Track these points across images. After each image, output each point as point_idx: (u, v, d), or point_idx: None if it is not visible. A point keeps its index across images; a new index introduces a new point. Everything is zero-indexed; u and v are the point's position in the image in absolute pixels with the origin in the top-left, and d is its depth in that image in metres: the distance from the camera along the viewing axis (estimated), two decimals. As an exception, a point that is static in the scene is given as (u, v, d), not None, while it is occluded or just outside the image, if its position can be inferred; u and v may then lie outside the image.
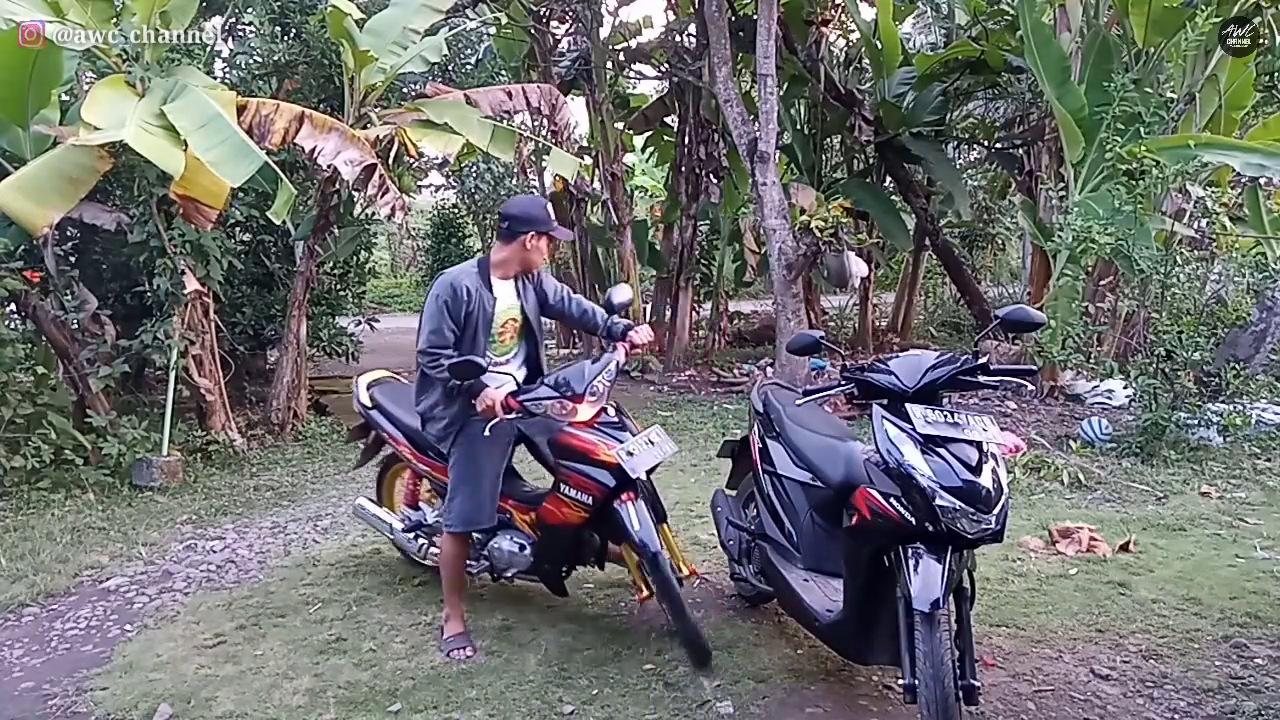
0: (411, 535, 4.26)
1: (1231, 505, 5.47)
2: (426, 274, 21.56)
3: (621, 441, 3.51)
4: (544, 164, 11.18)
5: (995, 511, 2.71)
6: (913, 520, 2.73)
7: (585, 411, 3.57)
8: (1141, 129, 7.18)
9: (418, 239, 22.89)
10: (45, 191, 5.50)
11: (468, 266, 3.72)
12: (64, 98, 6.66)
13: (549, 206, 3.77)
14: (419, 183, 14.76)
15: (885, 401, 2.96)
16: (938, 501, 2.67)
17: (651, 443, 3.57)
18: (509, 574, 3.89)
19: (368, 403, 4.34)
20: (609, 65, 11.26)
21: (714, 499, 4.27)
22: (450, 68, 11.36)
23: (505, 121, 8.01)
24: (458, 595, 3.79)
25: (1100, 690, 3.33)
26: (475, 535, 3.82)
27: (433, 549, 4.11)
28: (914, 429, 2.78)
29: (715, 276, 12.44)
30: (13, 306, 6.56)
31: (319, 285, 8.44)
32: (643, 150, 15.11)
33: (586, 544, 3.78)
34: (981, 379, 2.97)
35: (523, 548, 3.78)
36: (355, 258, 9.80)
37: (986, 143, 12.39)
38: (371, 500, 4.60)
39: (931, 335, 13.46)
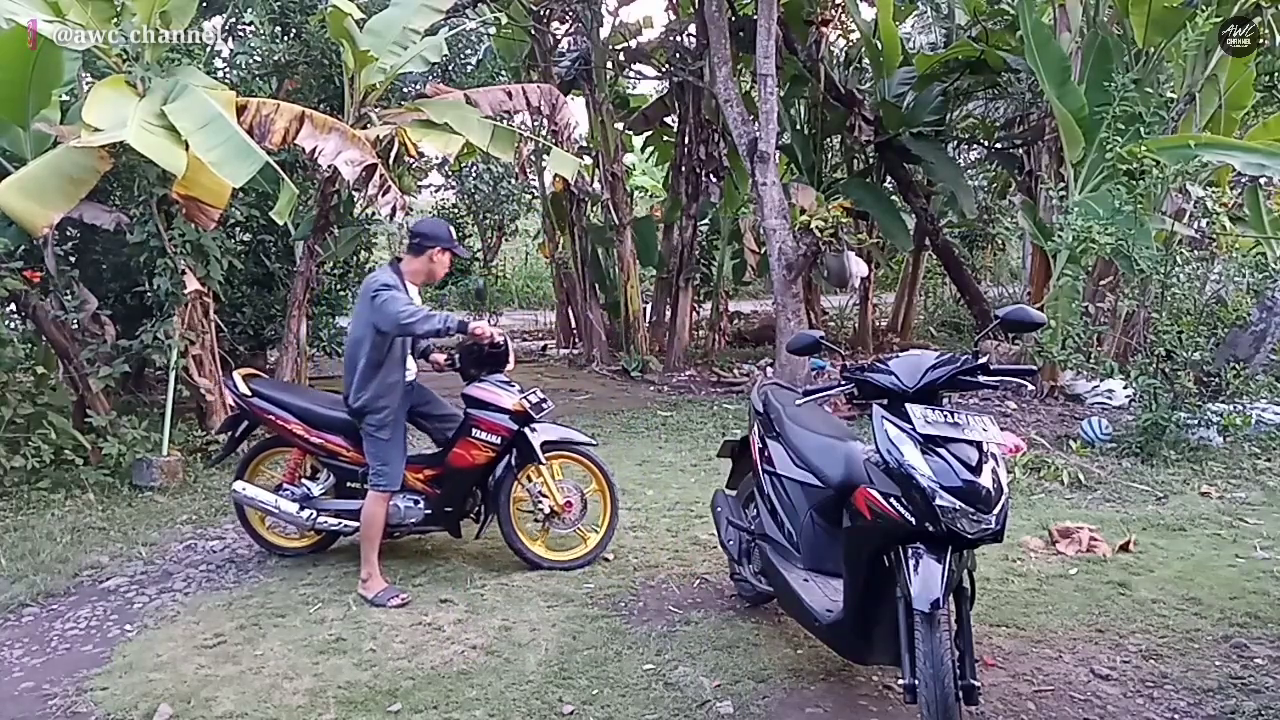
0: (299, 507, 4.62)
1: (1231, 505, 5.47)
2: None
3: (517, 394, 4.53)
4: (544, 164, 11.18)
5: (995, 511, 2.71)
6: (913, 520, 2.73)
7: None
8: (1141, 129, 7.19)
9: (418, 239, 22.90)
10: (45, 191, 5.50)
11: (388, 270, 4.41)
12: (64, 98, 6.66)
13: (451, 229, 4.59)
14: (419, 183, 14.78)
15: (885, 401, 2.96)
16: (938, 501, 2.67)
17: (542, 396, 4.63)
18: (404, 527, 4.60)
19: (247, 392, 4.71)
20: (609, 65, 11.27)
21: (714, 499, 4.27)
22: (450, 68, 11.37)
23: (505, 121, 8.00)
24: (376, 551, 4.37)
25: (1100, 690, 3.33)
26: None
27: (321, 518, 4.63)
28: (914, 429, 2.78)
29: (715, 276, 12.45)
30: (13, 306, 6.57)
31: (319, 285, 8.44)
32: (643, 150, 15.13)
33: (478, 492, 4.66)
34: (981, 379, 2.97)
35: (417, 502, 4.57)
36: (355, 258, 9.81)
37: (986, 143, 12.40)
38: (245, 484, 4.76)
39: (931, 335, 13.47)
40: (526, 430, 4.50)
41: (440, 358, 4.82)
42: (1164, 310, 6.55)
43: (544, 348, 13.26)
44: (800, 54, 10.18)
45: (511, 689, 3.41)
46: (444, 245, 4.42)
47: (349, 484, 4.67)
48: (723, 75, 8.86)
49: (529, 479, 4.63)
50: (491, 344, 4.45)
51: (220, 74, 8.67)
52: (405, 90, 8.99)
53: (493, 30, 11.87)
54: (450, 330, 4.20)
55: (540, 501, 4.60)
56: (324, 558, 4.83)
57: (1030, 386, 7.96)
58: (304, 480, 4.73)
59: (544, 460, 4.55)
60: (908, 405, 2.84)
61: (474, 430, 4.47)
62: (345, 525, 4.63)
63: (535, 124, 10.61)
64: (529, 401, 4.49)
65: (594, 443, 4.88)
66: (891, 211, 11.18)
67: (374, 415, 4.32)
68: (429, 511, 4.58)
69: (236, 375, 4.80)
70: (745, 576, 3.97)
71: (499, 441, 4.47)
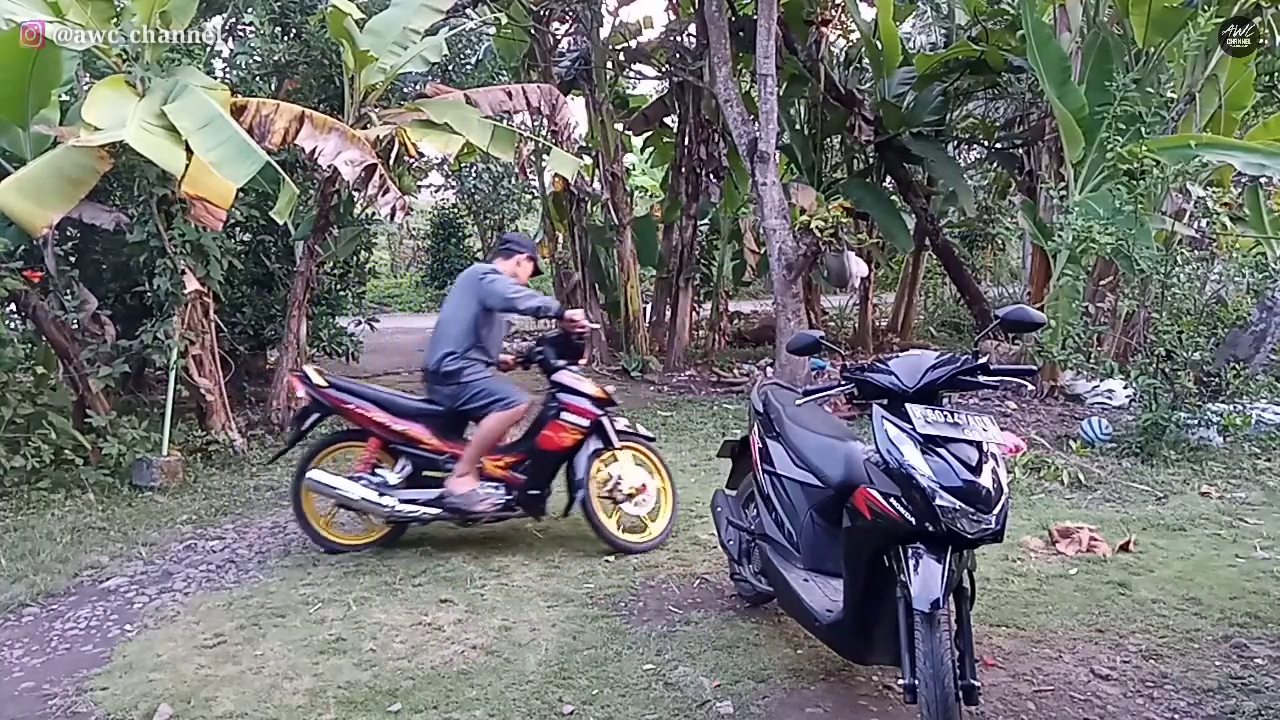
0: (379, 494, 4.72)
1: (1231, 505, 5.47)
2: (426, 274, 21.57)
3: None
4: (544, 164, 11.18)
5: (995, 511, 2.71)
6: (913, 520, 2.73)
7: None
8: (1142, 129, 7.19)
9: (418, 239, 22.92)
10: (45, 191, 5.50)
11: (486, 266, 5.04)
12: (64, 98, 6.66)
13: (535, 243, 5.32)
14: (419, 183, 14.78)
15: (885, 401, 2.96)
16: (938, 501, 2.67)
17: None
18: (479, 510, 4.74)
19: (324, 384, 4.84)
20: (609, 65, 11.26)
21: (714, 499, 4.27)
22: (450, 68, 11.36)
23: (505, 121, 8.01)
24: (478, 460, 4.76)
25: (1100, 690, 3.33)
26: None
27: (402, 505, 4.74)
28: (914, 429, 2.78)
29: (715, 276, 12.44)
30: (13, 306, 6.56)
31: (319, 285, 8.44)
32: (642, 150, 15.11)
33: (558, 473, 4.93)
34: (981, 379, 2.97)
35: (498, 489, 4.80)
36: (355, 258, 9.80)
37: (986, 143, 12.40)
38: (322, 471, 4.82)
39: (931, 335, 13.47)
40: (604, 417, 4.84)
41: (509, 359, 5.19)
42: (1164, 310, 6.55)
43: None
44: (800, 54, 10.18)
45: (511, 689, 3.40)
46: (529, 254, 5.11)
47: (425, 473, 4.84)
48: (723, 75, 8.86)
49: (604, 464, 4.90)
50: (579, 333, 4.88)
51: (220, 74, 8.67)
52: (405, 90, 8.99)
53: (493, 30, 11.86)
54: (549, 312, 4.75)
55: (619, 484, 4.85)
56: (323, 558, 4.83)
57: (1030, 386, 7.96)
58: (379, 470, 4.82)
59: (619, 445, 4.87)
60: (908, 405, 2.84)
61: (563, 414, 4.77)
62: (424, 512, 4.76)
63: (535, 124, 10.61)
64: (608, 390, 4.93)
65: (654, 436, 5.32)
66: (891, 211, 11.18)
67: (463, 374, 4.74)
68: (511, 497, 4.82)
69: (309, 369, 4.96)
70: (745, 576, 3.97)
71: (586, 425, 4.78)
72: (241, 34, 9.18)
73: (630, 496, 4.85)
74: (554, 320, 4.92)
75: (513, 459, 4.86)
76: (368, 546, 4.90)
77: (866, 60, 11.64)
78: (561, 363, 4.93)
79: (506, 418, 4.73)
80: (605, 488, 4.86)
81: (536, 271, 5.19)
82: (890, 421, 2.86)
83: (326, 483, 4.71)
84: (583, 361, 5.05)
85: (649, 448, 5.07)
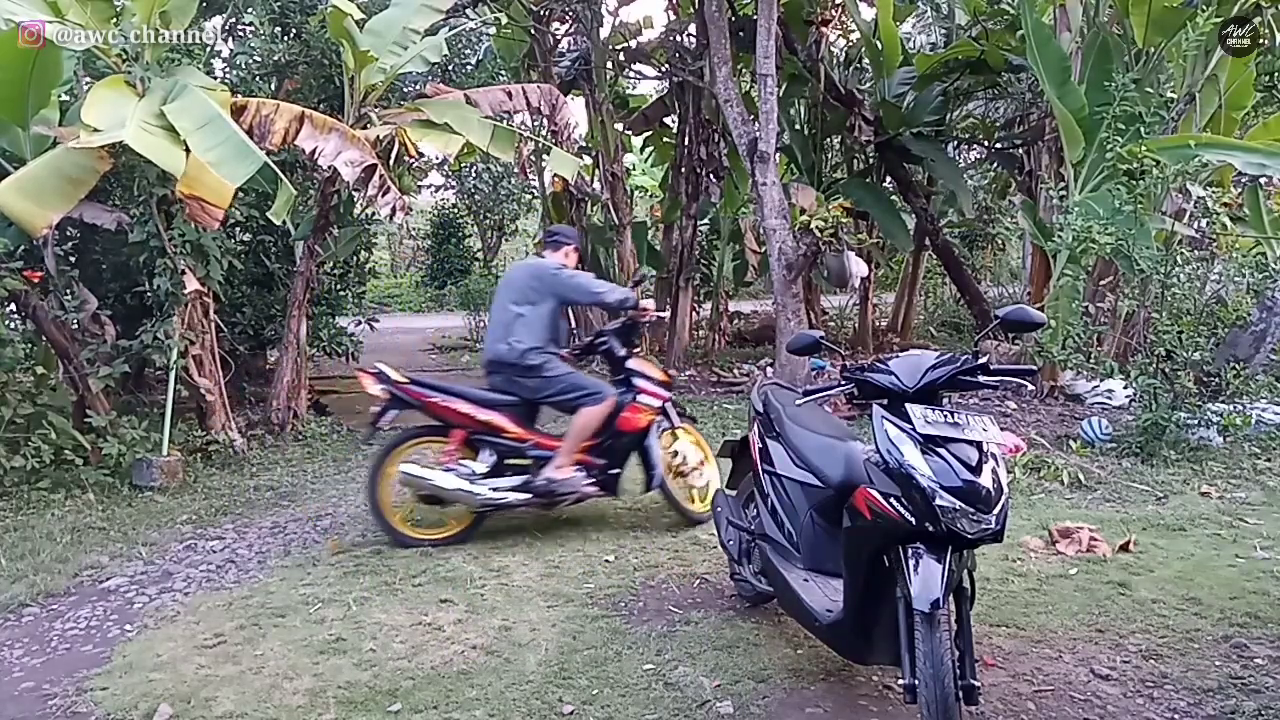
0: (470, 483, 4.83)
1: (1231, 505, 5.47)
2: (426, 274, 21.58)
3: None
4: (544, 164, 11.18)
5: (995, 511, 2.71)
6: (913, 520, 2.73)
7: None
8: (1142, 129, 7.18)
9: (418, 239, 22.92)
10: (45, 192, 5.50)
11: (542, 259, 5.33)
12: (64, 98, 6.66)
13: (578, 234, 5.62)
14: (419, 183, 14.78)
15: (885, 401, 2.96)
16: (938, 501, 2.67)
17: None
18: (569, 494, 5.01)
19: (404, 380, 4.96)
20: (609, 65, 11.26)
21: (714, 499, 4.28)
22: (450, 68, 11.36)
23: (505, 121, 8.00)
24: (576, 451, 4.98)
25: (1100, 690, 3.33)
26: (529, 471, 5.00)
27: (491, 494, 4.87)
28: (914, 429, 2.78)
29: (715, 276, 12.44)
30: (13, 306, 6.56)
31: (319, 285, 8.43)
32: (642, 150, 15.12)
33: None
34: (981, 379, 2.97)
35: (579, 471, 5.02)
36: (355, 258, 9.80)
37: (986, 143, 12.39)
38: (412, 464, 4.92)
39: (931, 335, 13.47)
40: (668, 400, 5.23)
41: (564, 352, 5.30)
42: (1164, 310, 6.55)
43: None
44: (800, 54, 10.17)
45: (511, 689, 3.41)
46: (575, 244, 5.33)
47: (507, 461, 4.98)
48: (723, 75, 8.86)
49: (668, 443, 5.27)
50: (645, 321, 5.37)
51: (220, 74, 8.67)
52: (405, 90, 8.99)
53: (493, 30, 11.86)
54: (629, 304, 5.15)
55: (685, 460, 5.22)
56: (323, 558, 4.83)
57: (1030, 386, 7.96)
58: (463, 461, 4.93)
59: (679, 425, 5.25)
60: (908, 405, 2.84)
61: (639, 397, 5.09)
62: (513, 499, 4.93)
63: (535, 124, 10.61)
64: (670, 374, 5.39)
65: (695, 417, 5.82)
66: (891, 211, 11.18)
67: (546, 368, 4.95)
68: (593, 479, 5.06)
69: (383, 366, 5.06)
70: (745, 576, 3.97)
71: (658, 406, 5.14)
72: (241, 34, 9.18)
73: (693, 470, 5.22)
74: (626, 311, 5.24)
75: (590, 443, 5.05)
76: (445, 541, 4.95)
77: (866, 60, 11.64)
78: (625, 351, 5.26)
79: (600, 411, 4.97)
80: (673, 464, 5.22)
81: (581, 262, 5.43)
82: (890, 421, 2.86)
83: (420, 475, 4.78)
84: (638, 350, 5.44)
85: (694, 427, 5.50)
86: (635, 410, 5.06)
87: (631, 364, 5.20)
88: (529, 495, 4.93)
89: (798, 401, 3.53)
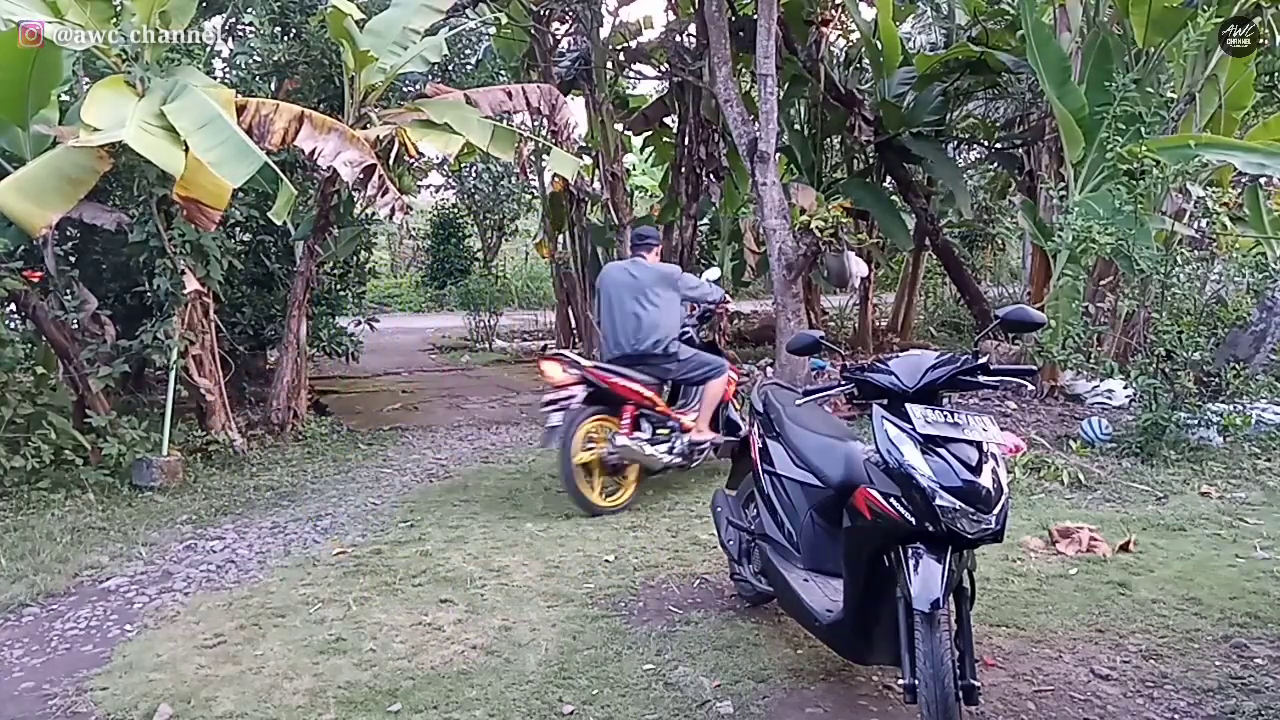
0: (653, 445, 5.63)
1: (1231, 505, 5.47)
2: (426, 274, 21.58)
3: None
4: (544, 164, 11.17)
5: (995, 511, 2.71)
6: (913, 520, 2.73)
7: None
8: (1142, 129, 7.18)
9: (418, 239, 22.91)
10: (45, 191, 5.50)
11: (649, 261, 6.02)
12: (64, 98, 6.66)
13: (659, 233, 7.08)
14: (419, 183, 14.77)
15: (885, 401, 2.96)
16: (938, 501, 2.67)
17: None
18: (707, 450, 5.95)
19: (589, 364, 5.64)
20: (609, 65, 11.25)
21: (714, 499, 4.27)
22: (450, 68, 11.36)
23: (505, 121, 8.01)
24: (712, 413, 5.97)
25: (1100, 690, 3.33)
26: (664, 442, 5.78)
27: (671, 456, 5.72)
28: (914, 429, 2.78)
29: (715, 276, 12.41)
30: (13, 306, 6.56)
31: (319, 285, 8.44)
32: (642, 150, 15.12)
33: None
34: (981, 379, 2.97)
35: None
36: (355, 258, 9.80)
37: (986, 143, 12.39)
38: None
39: (931, 335, 13.46)
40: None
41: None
42: (1164, 310, 6.55)
43: (544, 347, 13.25)
44: (800, 54, 10.16)
45: (511, 689, 3.41)
46: (659, 242, 6.38)
47: (658, 431, 5.75)
48: (723, 75, 8.85)
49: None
50: (723, 311, 6.68)
51: (220, 74, 8.67)
52: (405, 90, 8.99)
53: (493, 30, 11.85)
54: (723, 300, 6.39)
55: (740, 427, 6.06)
56: (323, 558, 4.84)
57: (1030, 386, 7.95)
58: (635, 434, 5.63)
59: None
60: (908, 405, 2.84)
61: (726, 370, 6.02)
62: (675, 460, 5.73)
63: (535, 124, 10.59)
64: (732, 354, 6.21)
65: None
66: (891, 211, 11.17)
67: (680, 353, 5.81)
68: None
69: (568, 352, 6.05)
70: (745, 576, 3.97)
71: (735, 379, 6.25)
72: (241, 34, 9.18)
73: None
74: (716, 305, 6.40)
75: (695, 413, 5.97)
76: (623, 507, 5.58)
77: (866, 60, 11.63)
78: (711, 336, 6.58)
79: (723, 381, 5.96)
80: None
81: (660, 258, 6.24)
82: (890, 421, 2.86)
83: (632, 446, 5.49)
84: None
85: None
86: (728, 382, 6.06)
87: (715, 346, 6.37)
88: (681, 457, 5.74)
89: (798, 401, 3.53)
